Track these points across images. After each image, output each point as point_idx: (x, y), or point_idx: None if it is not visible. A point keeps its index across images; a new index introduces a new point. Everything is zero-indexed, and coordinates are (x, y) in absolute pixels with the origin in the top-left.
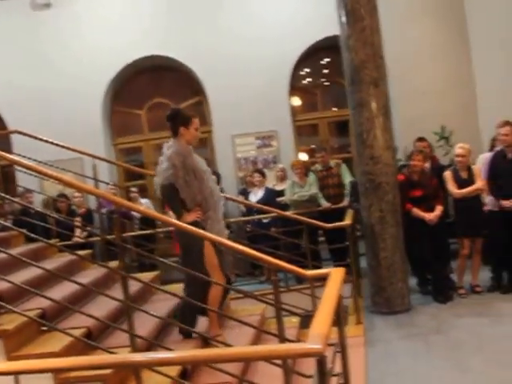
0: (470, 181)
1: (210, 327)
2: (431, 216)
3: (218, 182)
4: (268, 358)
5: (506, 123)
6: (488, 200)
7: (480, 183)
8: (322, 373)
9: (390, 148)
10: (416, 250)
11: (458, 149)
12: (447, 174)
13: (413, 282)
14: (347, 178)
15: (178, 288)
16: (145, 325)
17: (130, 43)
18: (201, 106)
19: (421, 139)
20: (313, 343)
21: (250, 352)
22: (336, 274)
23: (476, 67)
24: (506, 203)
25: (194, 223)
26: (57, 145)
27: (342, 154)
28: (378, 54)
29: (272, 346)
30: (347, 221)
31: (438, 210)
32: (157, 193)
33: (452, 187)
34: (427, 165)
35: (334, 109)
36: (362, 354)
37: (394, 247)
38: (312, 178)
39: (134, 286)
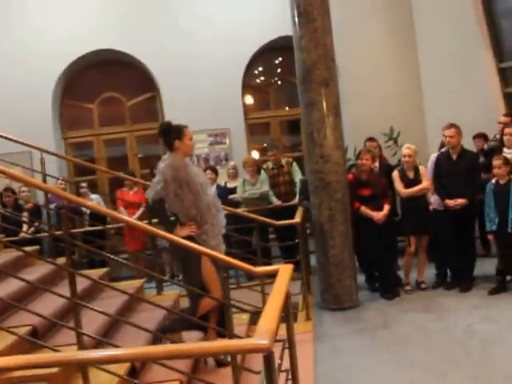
0: (416, 180)
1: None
2: (379, 215)
3: None
4: (215, 355)
5: (452, 125)
6: (433, 199)
7: (426, 183)
8: (270, 368)
9: (340, 147)
10: (364, 247)
11: (405, 149)
12: (395, 174)
13: (361, 278)
14: (298, 177)
15: (128, 285)
16: (93, 322)
17: (81, 36)
18: (153, 101)
19: (370, 139)
20: (260, 339)
21: (197, 348)
22: (284, 271)
23: (424, 70)
24: (450, 203)
25: (189, 238)
26: (5, 137)
27: (293, 153)
28: (330, 55)
29: (219, 342)
30: (297, 218)
31: (386, 209)
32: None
33: (399, 187)
34: (376, 164)
35: (287, 108)
36: (311, 350)
37: (343, 245)
38: (263, 175)
39: (82, 283)
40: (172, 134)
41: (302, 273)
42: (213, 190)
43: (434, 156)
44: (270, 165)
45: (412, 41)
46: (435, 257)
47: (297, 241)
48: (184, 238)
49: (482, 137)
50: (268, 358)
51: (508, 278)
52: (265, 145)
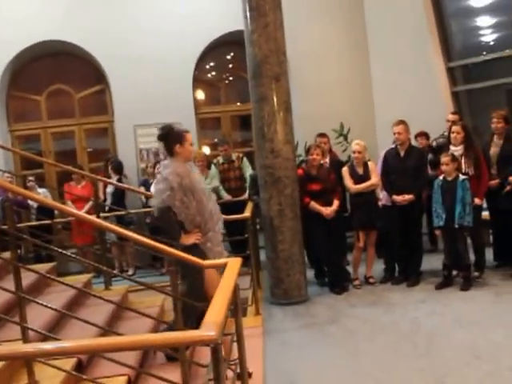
0: (365, 176)
1: None
2: (328, 210)
3: (121, 170)
4: (162, 346)
5: (400, 122)
6: (382, 195)
7: (375, 179)
8: (217, 360)
9: (290, 142)
10: (313, 242)
11: (355, 145)
12: (344, 170)
13: (310, 273)
14: (248, 172)
15: (75, 280)
16: (39, 317)
17: (29, 26)
18: (103, 94)
19: (321, 135)
20: (207, 331)
21: (143, 340)
22: (233, 264)
23: (374, 68)
24: (398, 198)
25: (194, 246)
26: None
27: (244, 148)
28: (281, 50)
29: (166, 334)
30: (246, 213)
31: (335, 204)
32: (154, 214)
33: (349, 182)
34: (326, 160)
35: (238, 103)
36: (260, 344)
37: (292, 240)
38: (213, 171)
39: (29, 278)
40: (172, 139)
41: (252, 268)
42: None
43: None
44: (220, 160)
45: (363, 38)
46: (384, 252)
47: (246, 236)
48: (188, 247)
49: (424, 135)
50: (215, 350)
51: (454, 272)
52: (216, 140)
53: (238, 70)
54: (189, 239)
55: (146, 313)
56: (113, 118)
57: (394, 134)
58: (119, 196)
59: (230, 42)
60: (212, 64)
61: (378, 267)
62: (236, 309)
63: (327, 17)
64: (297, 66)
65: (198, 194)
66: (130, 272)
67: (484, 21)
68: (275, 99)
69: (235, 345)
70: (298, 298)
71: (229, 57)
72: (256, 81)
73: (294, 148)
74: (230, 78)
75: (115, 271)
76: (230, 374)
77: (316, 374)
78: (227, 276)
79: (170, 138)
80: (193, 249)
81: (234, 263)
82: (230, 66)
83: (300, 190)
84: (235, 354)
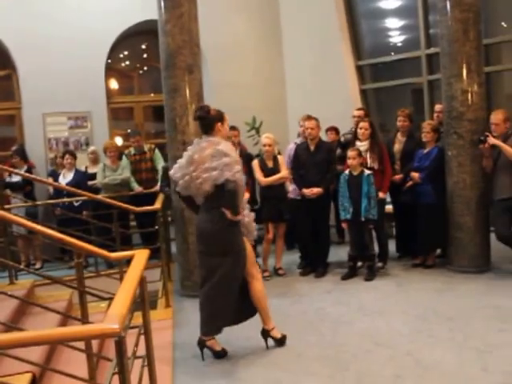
0: (275, 169)
1: (266, 321)
2: None
3: (27, 159)
4: (62, 341)
5: (311, 117)
6: (291, 188)
7: (284, 172)
8: (121, 354)
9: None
10: None
11: (265, 139)
12: (254, 163)
13: None
14: (160, 164)
15: None
16: None
17: None
18: (9, 80)
19: (232, 127)
20: (110, 323)
21: (42, 335)
22: (140, 256)
23: (287, 63)
24: (307, 192)
25: (235, 224)
26: None
27: (157, 139)
28: (195, 42)
29: (66, 328)
30: (157, 205)
31: (246, 196)
32: (204, 188)
33: (259, 175)
34: (236, 153)
35: (152, 94)
36: (170, 336)
37: None
38: (125, 161)
39: None
40: (214, 117)
41: (162, 260)
42: (71, 175)
43: (291, 146)
44: (132, 151)
45: (277, 34)
46: (295, 244)
47: (157, 227)
48: (231, 224)
49: (334, 130)
50: (119, 343)
51: (359, 263)
52: (128, 131)
53: (152, 60)
54: (239, 214)
55: (52, 307)
56: (20, 105)
57: (306, 128)
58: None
59: (144, 32)
60: (126, 53)
61: (288, 258)
62: (143, 301)
63: (243, 11)
64: (211, 59)
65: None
66: (38, 266)
67: (392, 23)
68: (188, 91)
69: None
70: None
71: (143, 46)
72: (169, 72)
73: None
74: (145, 68)
75: (21, 265)
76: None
77: (226, 367)
78: (133, 268)
79: (212, 115)
80: (234, 225)
81: (141, 255)
82: (145, 55)
83: None
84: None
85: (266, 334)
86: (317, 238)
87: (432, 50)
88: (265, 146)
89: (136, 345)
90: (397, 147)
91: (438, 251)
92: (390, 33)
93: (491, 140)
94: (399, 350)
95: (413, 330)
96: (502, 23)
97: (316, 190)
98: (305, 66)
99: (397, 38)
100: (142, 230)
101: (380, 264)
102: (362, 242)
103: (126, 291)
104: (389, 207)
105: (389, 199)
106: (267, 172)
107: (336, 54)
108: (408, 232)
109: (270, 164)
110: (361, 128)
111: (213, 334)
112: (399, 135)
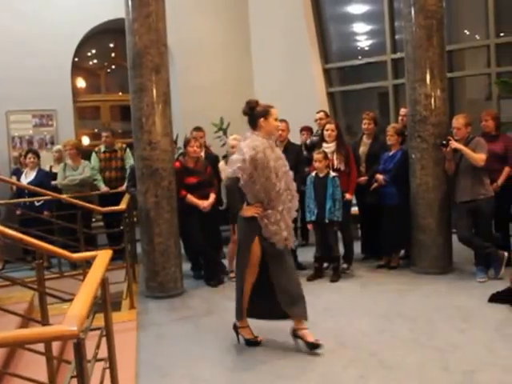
0: None
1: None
2: (205, 204)
3: None
4: (18, 343)
5: (282, 120)
6: None
7: None
8: (80, 356)
9: (168, 135)
10: (190, 235)
11: (231, 140)
12: (221, 164)
13: (187, 266)
14: (130, 163)
15: None
16: None
17: None
18: None
19: (197, 128)
20: (68, 325)
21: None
22: (102, 257)
23: (256, 65)
24: None
25: (251, 218)
26: None
27: (125, 139)
28: (162, 41)
29: (22, 331)
30: (122, 205)
31: (212, 197)
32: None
33: (225, 176)
34: (202, 154)
35: (120, 93)
36: (134, 338)
37: (169, 233)
38: (94, 159)
39: None
40: (257, 113)
41: (127, 261)
42: (33, 174)
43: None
44: (102, 148)
45: (246, 36)
46: None
47: (122, 228)
48: (246, 218)
49: (308, 130)
50: (77, 346)
51: (325, 265)
52: (96, 130)
53: (120, 59)
54: (248, 211)
55: (12, 309)
56: None
57: (279, 130)
58: None
59: (113, 30)
60: (94, 51)
61: None
62: (105, 303)
63: (211, 12)
64: (179, 59)
65: (268, 170)
66: None
67: (360, 27)
68: (154, 91)
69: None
70: (173, 290)
71: (111, 45)
72: (135, 71)
73: (172, 140)
74: (112, 67)
75: None
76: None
77: (189, 367)
78: (94, 269)
79: (255, 110)
80: (250, 221)
81: (104, 256)
82: (113, 54)
83: (177, 183)
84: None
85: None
86: None
87: (398, 55)
88: (232, 147)
89: (97, 347)
90: (362, 149)
91: (402, 252)
92: (358, 37)
93: (453, 144)
94: (363, 351)
95: (376, 331)
96: (465, 31)
97: None
98: (273, 67)
99: (364, 43)
100: (106, 231)
101: (345, 265)
102: (326, 244)
103: (86, 292)
104: (354, 209)
105: (354, 201)
106: None
107: (304, 56)
108: (373, 233)
109: None
110: (327, 130)
111: (237, 318)
112: (365, 138)
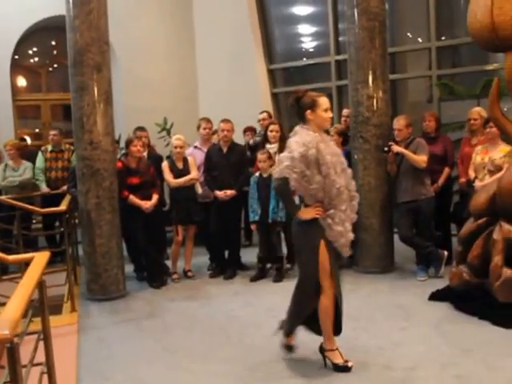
0: (185, 171)
1: (325, 340)
2: (147, 204)
3: None
4: None
5: (228, 120)
6: (202, 190)
7: (194, 173)
8: (13, 361)
9: (109, 134)
10: (132, 236)
11: (175, 140)
12: (164, 165)
13: (130, 268)
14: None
15: None
16: None
17: None
18: None
19: (140, 128)
20: (0, 329)
21: None
22: (39, 259)
23: (200, 65)
24: (220, 194)
25: (313, 220)
26: None
27: (66, 139)
28: (103, 39)
29: None
30: (62, 206)
31: (154, 198)
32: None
33: (169, 177)
34: (144, 154)
35: (61, 92)
36: (75, 342)
37: (110, 234)
38: (39, 158)
39: None
40: (303, 104)
41: (67, 263)
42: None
43: (190, 151)
44: (49, 147)
45: (191, 35)
46: (206, 245)
47: (62, 230)
48: (305, 221)
49: (251, 130)
50: (11, 350)
51: (268, 265)
52: (37, 130)
53: (62, 57)
54: (307, 213)
55: None
56: None
57: (222, 130)
58: None
59: (54, 28)
60: (35, 49)
61: (198, 260)
62: (42, 306)
63: (155, 10)
64: (121, 57)
65: (325, 167)
66: None
67: (304, 29)
68: (96, 90)
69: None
70: (115, 293)
71: (53, 42)
72: (76, 69)
73: (113, 140)
74: (55, 65)
75: None
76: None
77: (131, 371)
78: (30, 271)
79: (301, 102)
80: (311, 224)
81: (41, 257)
82: (54, 52)
83: (119, 183)
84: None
85: (322, 351)
86: (227, 239)
87: (341, 57)
88: (176, 147)
89: (34, 351)
90: None
91: None
92: (302, 38)
93: (395, 148)
94: (305, 350)
95: None
96: (408, 33)
97: (229, 192)
98: (217, 67)
99: (308, 44)
100: (46, 233)
101: (289, 265)
102: (270, 244)
103: (20, 295)
104: None
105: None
106: (177, 173)
107: (248, 56)
108: None
109: (180, 165)
110: (272, 130)
111: (286, 332)
112: None
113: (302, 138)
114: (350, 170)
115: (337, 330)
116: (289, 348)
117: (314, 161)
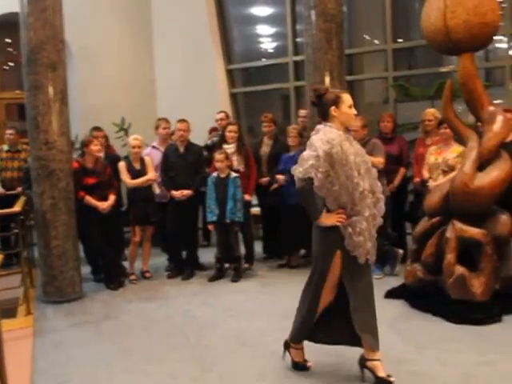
0: (142, 171)
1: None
2: (104, 205)
3: None
4: None
5: (184, 120)
6: (159, 190)
7: (151, 174)
8: None
9: (65, 134)
10: (89, 238)
11: (133, 140)
12: (121, 165)
13: (87, 269)
14: None
15: None
16: None
17: None
18: None
19: (96, 128)
20: None
21: None
22: None
23: (158, 65)
24: (176, 194)
25: (333, 228)
26: None
27: (22, 139)
28: (59, 37)
29: None
30: (16, 207)
31: (111, 199)
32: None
33: (126, 177)
34: (101, 154)
35: (17, 91)
36: (30, 345)
37: (66, 235)
38: None
39: None
40: (326, 101)
41: (22, 265)
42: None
43: (147, 151)
44: (5, 147)
45: (148, 33)
46: (164, 246)
47: (16, 231)
48: (325, 228)
49: (216, 131)
50: None
51: (226, 265)
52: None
53: (18, 55)
54: (328, 219)
55: None
56: None
57: (178, 130)
58: None
59: (10, 25)
60: None
61: (156, 261)
62: None
63: (112, 8)
64: (77, 56)
65: (348, 167)
66: None
67: (263, 29)
68: (51, 88)
69: None
70: (72, 295)
71: (8, 40)
72: (30, 68)
73: (69, 140)
74: (10, 64)
75: None
76: None
77: (88, 374)
78: None
79: (324, 99)
80: (330, 231)
81: None
82: (9, 50)
83: (75, 184)
84: None
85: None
86: (184, 240)
87: (299, 58)
88: (134, 147)
89: None
90: (264, 150)
91: (303, 251)
92: (261, 39)
93: None
94: (264, 350)
95: (277, 330)
96: (365, 35)
97: (186, 192)
98: (175, 67)
99: (267, 45)
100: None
101: (247, 265)
102: (227, 244)
103: None
104: (256, 209)
105: (256, 201)
106: (134, 174)
107: (207, 56)
108: (274, 233)
109: (137, 166)
110: (230, 131)
111: (295, 340)
112: (266, 139)
113: (325, 136)
114: (374, 170)
115: (308, 336)
116: (300, 366)
117: (339, 160)
